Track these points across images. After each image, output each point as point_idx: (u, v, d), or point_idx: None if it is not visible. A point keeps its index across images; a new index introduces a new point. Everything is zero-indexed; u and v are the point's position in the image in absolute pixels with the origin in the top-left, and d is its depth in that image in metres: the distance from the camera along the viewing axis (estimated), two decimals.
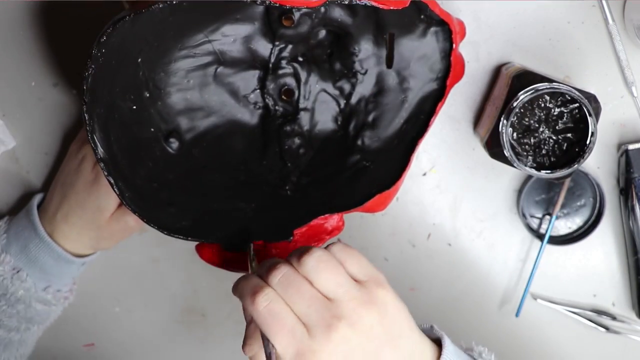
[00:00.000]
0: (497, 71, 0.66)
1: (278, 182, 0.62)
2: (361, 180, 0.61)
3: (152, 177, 0.57)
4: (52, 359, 0.74)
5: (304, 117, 0.64)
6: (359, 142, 0.63)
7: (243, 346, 0.47)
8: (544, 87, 0.56)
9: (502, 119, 0.57)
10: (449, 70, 0.60)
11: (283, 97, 0.64)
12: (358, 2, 0.54)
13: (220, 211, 0.59)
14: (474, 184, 0.68)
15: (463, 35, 0.61)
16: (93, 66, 0.51)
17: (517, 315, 0.68)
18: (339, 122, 0.64)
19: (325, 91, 0.64)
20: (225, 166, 0.62)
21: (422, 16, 0.60)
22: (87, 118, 0.52)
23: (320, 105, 0.64)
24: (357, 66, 0.62)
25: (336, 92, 0.64)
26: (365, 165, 0.62)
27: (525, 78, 0.58)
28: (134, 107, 0.58)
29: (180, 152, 0.60)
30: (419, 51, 0.61)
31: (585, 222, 0.68)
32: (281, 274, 0.44)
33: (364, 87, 0.63)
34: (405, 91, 0.62)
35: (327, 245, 0.46)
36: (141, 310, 0.74)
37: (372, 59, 0.62)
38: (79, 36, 0.66)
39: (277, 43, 0.62)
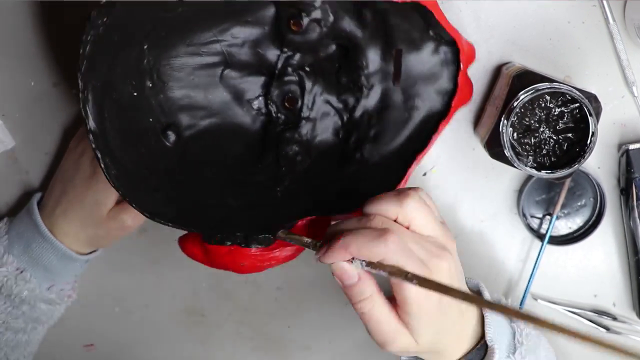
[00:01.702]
0: (498, 71, 0.66)
1: (270, 184, 0.62)
2: (354, 189, 0.61)
3: (143, 163, 0.57)
4: (51, 359, 0.74)
5: (306, 127, 0.64)
6: (358, 155, 0.62)
7: (355, 304, 0.48)
8: (545, 87, 0.56)
9: (502, 118, 0.57)
10: (455, 91, 0.60)
11: (286, 104, 0.63)
12: None
13: (207, 204, 0.59)
14: (474, 184, 0.68)
15: (472, 57, 0.61)
16: (92, 32, 0.51)
17: None
18: (340, 135, 0.64)
19: (329, 103, 0.64)
20: (220, 165, 0.62)
21: (430, 32, 0.60)
22: (81, 86, 0.52)
23: (322, 117, 0.64)
24: (363, 80, 0.62)
25: (340, 105, 0.64)
26: (361, 176, 0.62)
27: (525, 78, 0.58)
28: (135, 93, 0.57)
29: (177, 146, 0.60)
30: (426, 70, 0.61)
31: (586, 222, 0.68)
32: (415, 201, 0.48)
33: (369, 102, 0.63)
34: (410, 109, 0.62)
35: (410, 189, 0.50)
36: (141, 310, 0.74)
37: (378, 74, 0.62)
38: (79, 36, 0.66)
39: (285, 50, 0.62)
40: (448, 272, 0.48)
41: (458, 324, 0.51)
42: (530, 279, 0.67)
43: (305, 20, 0.60)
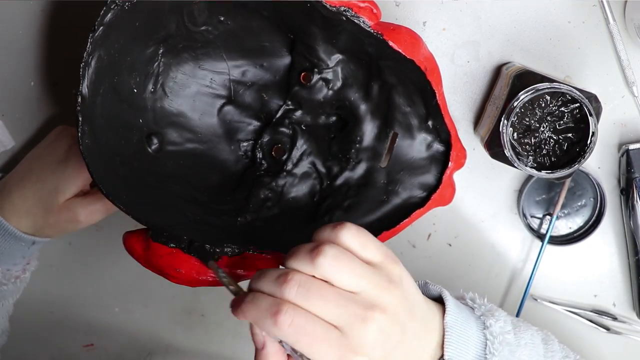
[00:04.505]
0: (498, 71, 0.66)
1: (233, 213, 0.62)
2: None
3: (117, 151, 0.56)
4: (51, 359, 0.74)
5: (284, 179, 0.64)
6: (326, 219, 0.63)
7: None
8: (545, 87, 0.56)
9: (502, 118, 0.57)
10: (436, 189, 0.61)
11: (273, 153, 0.64)
12: (373, 30, 0.54)
13: (165, 208, 0.58)
14: (474, 184, 0.68)
15: (462, 163, 0.62)
16: (119, 2, 0.51)
17: (517, 315, 0.68)
18: (315, 198, 0.64)
19: (314, 165, 0.64)
20: (190, 187, 0.61)
21: (429, 122, 0.61)
22: (89, 48, 0.51)
23: (303, 176, 0.64)
24: (352, 154, 0.63)
25: (323, 170, 0.64)
26: None
27: (525, 78, 0.58)
28: (135, 90, 0.57)
29: (156, 154, 0.60)
30: (415, 161, 0.62)
31: (586, 222, 0.68)
32: (297, 284, 0.41)
33: (352, 175, 0.64)
34: (389, 193, 0.63)
35: (335, 226, 0.43)
36: (141, 310, 0.74)
37: (369, 151, 0.63)
38: (78, 36, 0.66)
39: (288, 102, 0.63)
40: (377, 333, 0.42)
41: (412, 353, 0.45)
42: (530, 279, 0.67)
43: (316, 77, 0.61)
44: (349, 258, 0.42)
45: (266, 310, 0.41)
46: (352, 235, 0.43)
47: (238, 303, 0.43)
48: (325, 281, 0.42)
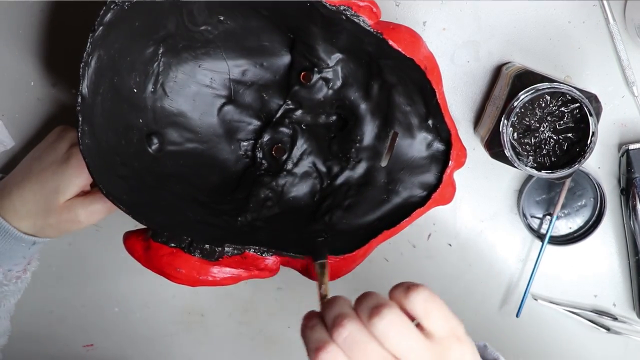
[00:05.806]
0: (498, 71, 0.66)
1: (233, 213, 0.61)
2: (313, 242, 0.61)
3: (118, 151, 0.56)
4: (51, 359, 0.74)
5: (285, 179, 0.64)
6: (327, 218, 0.63)
7: None
8: (545, 87, 0.56)
9: (502, 118, 0.57)
10: (437, 188, 0.61)
11: (273, 152, 0.64)
12: (373, 29, 0.54)
13: (165, 208, 0.58)
14: (474, 184, 0.68)
15: (462, 163, 0.62)
16: (119, 2, 0.51)
17: (517, 315, 0.68)
18: (315, 198, 0.64)
19: (314, 165, 0.64)
20: (191, 186, 0.61)
21: (430, 121, 0.61)
22: (88, 48, 0.51)
23: (304, 175, 0.64)
24: (353, 153, 0.63)
25: (324, 169, 0.64)
26: (323, 236, 0.62)
27: (525, 78, 0.58)
28: (135, 89, 0.57)
29: (156, 154, 0.60)
30: (415, 160, 0.62)
31: (586, 223, 0.68)
32: (347, 332, 0.42)
33: (352, 174, 0.64)
34: (389, 192, 0.63)
35: (409, 287, 0.43)
36: (141, 310, 0.74)
37: (369, 151, 0.63)
38: (78, 36, 0.66)
39: (288, 102, 0.63)
40: None
41: None
42: (530, 279, 0.67)
43: (316, 76, 0.61)
44: (406, 327, 0.42)
45: (312, 343, 0.43)
46: (421, 301, 0.43)
47: (306, 318, 0.45)
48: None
